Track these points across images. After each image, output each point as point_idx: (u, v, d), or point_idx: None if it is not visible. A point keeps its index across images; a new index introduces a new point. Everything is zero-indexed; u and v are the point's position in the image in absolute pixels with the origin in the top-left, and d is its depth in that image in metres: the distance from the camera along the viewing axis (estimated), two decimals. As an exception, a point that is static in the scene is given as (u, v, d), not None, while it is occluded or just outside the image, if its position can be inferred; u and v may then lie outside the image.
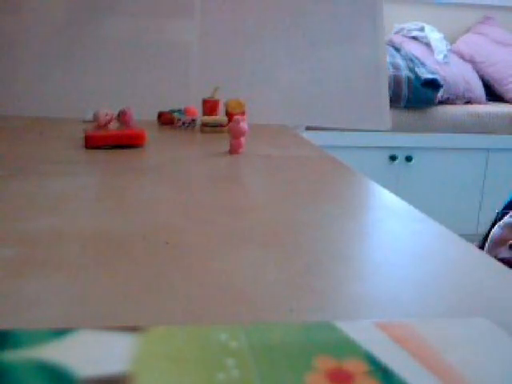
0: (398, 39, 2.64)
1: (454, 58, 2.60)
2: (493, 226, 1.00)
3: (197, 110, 1.23)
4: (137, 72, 1.35)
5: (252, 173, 0.81)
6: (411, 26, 2.68)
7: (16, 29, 1.30)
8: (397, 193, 0.75)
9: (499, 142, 2.41)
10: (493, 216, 1.02)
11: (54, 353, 0.32)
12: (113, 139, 0.93)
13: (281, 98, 1.42)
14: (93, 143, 0.92)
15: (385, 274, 0.46)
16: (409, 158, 2.33)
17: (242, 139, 0.93)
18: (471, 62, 2.67)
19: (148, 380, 0.30)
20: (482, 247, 0.99)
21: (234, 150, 0.93)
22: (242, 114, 1.20)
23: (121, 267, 0.45)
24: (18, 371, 0.30)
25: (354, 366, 0.32)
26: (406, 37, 2.65)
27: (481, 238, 1.02)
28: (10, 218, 0.56)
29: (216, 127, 1.14)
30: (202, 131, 1.14)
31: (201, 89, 1.35)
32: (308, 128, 2.09)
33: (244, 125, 0.92)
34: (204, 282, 0.43)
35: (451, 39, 2.79)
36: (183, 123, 1.16)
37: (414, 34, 2.64)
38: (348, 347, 0.34)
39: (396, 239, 0.55)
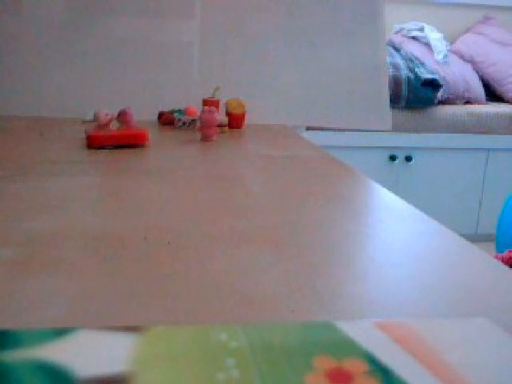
0: (397, 39, 2.64)
1: (454, 58, 2.60)
2: None
3: (197, 110, 1.23)
4: (137, 72, 1.35)
5: (252, 173, 0.81)
6: (411, 25, 2.68)
7: (16, 29, 1.30)
8: (397, 193, 0.75)
9: (499, 142, 2.41)
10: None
11: (54, 353, 0.32)
12: (116, 139, 0.93)
13: (281, 98, 1.42)
14: (96, 143, 0.92)
15: (385, 274, 0.46)
16: (409, 158, 2.34)
17: (215, 128, 1.02)
18: (471, 61, 2.67)
19: (148, 380, 0.30)
20: None
21: (206, 138, 1.01)
22: (243, 114, 1.20)
23: (122, 267, 0.45)
24: (18, 371, 0.30)
25: (354, 366, 0.32)
26: (406, 37, 2.65)
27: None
28: (10, 218, 0.56)
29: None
30: (201, 131, 1.14)
31: (201, 89, 1.35)
32: (308, 128, 2.10)
33: (217, 116, 1.01)
34: (205, 282, 0.43)
35: (451, 39, 2.79)
36: (183, 123, 1.16)
37: (414, 33, 2.64)
38: (348, 347, 0.34)
39: (396, 239, 0.55)
